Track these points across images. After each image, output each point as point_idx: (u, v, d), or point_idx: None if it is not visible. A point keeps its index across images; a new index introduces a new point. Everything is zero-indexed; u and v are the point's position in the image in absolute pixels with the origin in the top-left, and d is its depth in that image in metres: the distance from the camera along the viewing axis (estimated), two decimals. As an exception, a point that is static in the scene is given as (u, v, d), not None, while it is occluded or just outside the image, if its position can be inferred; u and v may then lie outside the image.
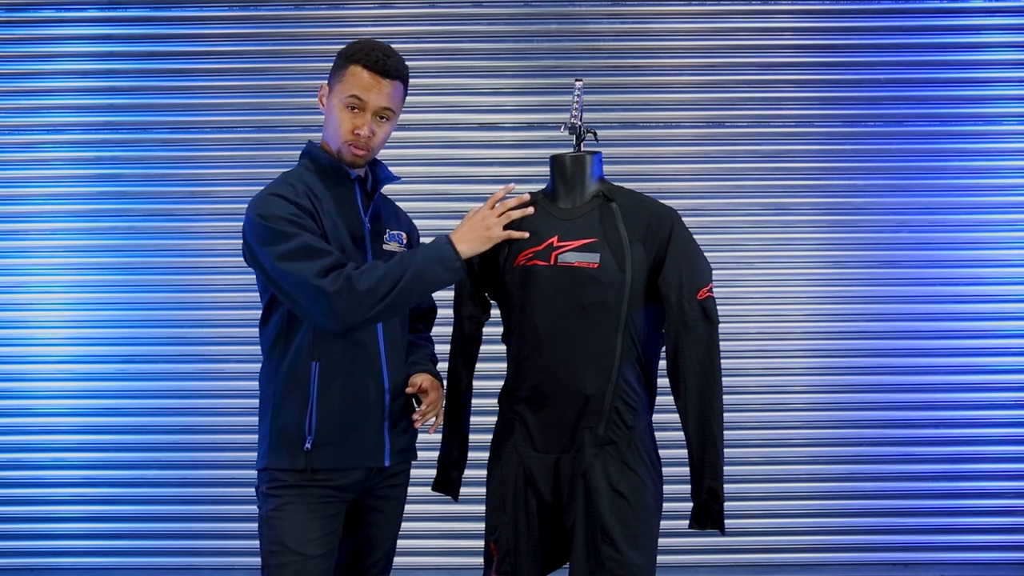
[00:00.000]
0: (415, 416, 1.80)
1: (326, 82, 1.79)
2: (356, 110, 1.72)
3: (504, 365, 1.85)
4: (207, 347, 3.30)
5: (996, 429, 3.37)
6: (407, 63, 1.80)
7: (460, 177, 3.40)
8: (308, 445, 1.70)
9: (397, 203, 2.01)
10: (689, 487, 1.74)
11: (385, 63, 1.71)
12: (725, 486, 1.73)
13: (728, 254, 3.33)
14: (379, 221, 1.84)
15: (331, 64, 1.79)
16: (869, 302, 3.38)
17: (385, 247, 1.83)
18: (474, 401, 2.01)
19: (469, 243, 1.69)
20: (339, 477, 1.73)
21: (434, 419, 1.86)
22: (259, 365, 1.82)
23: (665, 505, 1.80)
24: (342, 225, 1.75)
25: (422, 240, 2.00)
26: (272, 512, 1.72)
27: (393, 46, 1.79)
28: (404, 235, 1.89)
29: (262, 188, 1.76)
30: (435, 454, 2.01)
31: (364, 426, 1.75)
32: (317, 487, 1.71)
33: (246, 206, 1.74)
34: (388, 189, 1.94)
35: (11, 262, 3.40)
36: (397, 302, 1.64)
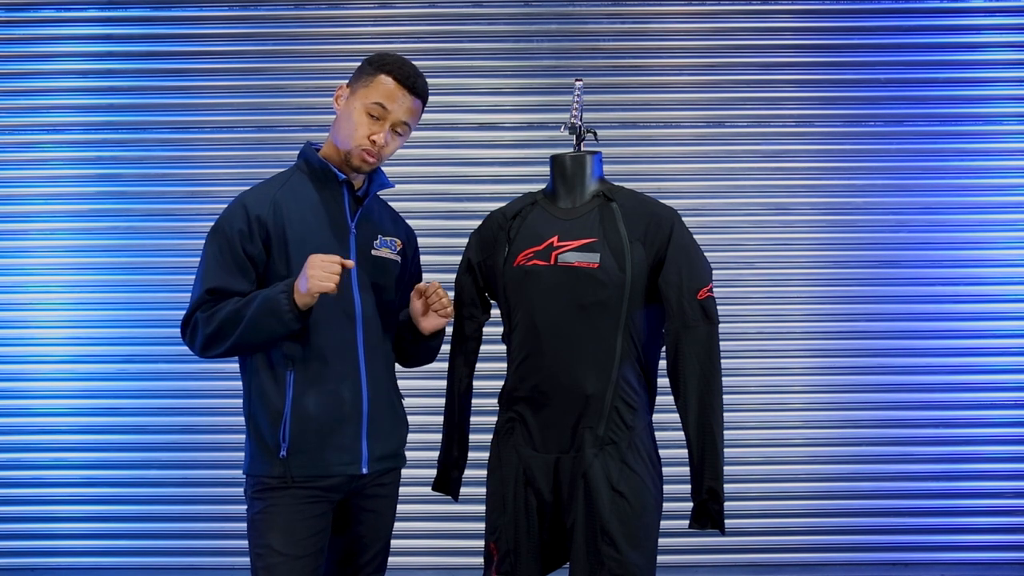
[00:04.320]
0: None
1: (345, 84, 1.80)
2: (377, 118, 1.74)
3: (504, 365, 1.85)
4: (207, 347, 3.29)
5: (995, 429, 3.37)
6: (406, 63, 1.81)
7: (460, 177, 3.40)
8: (283, 453, 1.70)
9: (396, 204, 2.01)
10: (689, 487, 1.74)
11: (415, 80, 1.76)
12: (725, 486, 1.73)
13: (728, 254, 3.33)
14: (368, 226, 1.83)
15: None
16: (869, 302, 3.38)
17: (374, 252, 1.82)
18: (474, 401, 2.01)
19: (302, 297, 1.62)
20: (321, 480, 1.73)
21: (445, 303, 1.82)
22: (257, 365, 1.82)
23: (665, 505, 1.80)
24: (325, 228, 1.75)
25: (423, 238, 2.01)
26: (257, 515, 1.73)
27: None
28: (398, 241, 1.88)
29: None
30: (435, 454, 2.01)
31: (340, 433, 1.74)
32: (300, 488, 1.71)
33: None
34: (386, 191, 1.94)
35: (11, 262, 3.40)
36: (238, 348, 1.70)
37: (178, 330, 1.79)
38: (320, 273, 1.60)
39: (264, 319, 1.64)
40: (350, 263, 1.67)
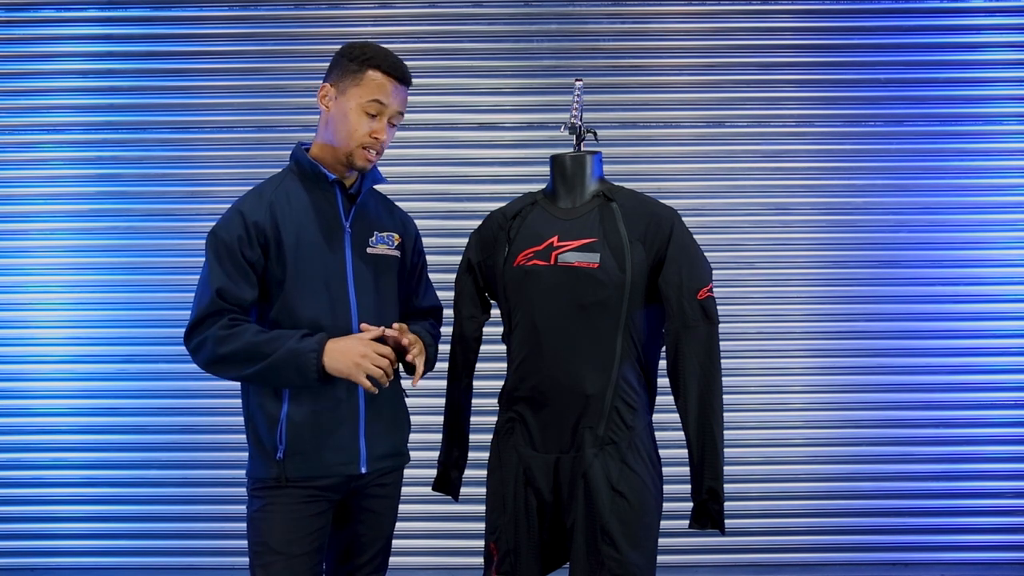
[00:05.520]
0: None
1: (327, 83, 1.77)
2: (375, 115, 1.74)
3: (504, 365, 1.85)
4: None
5: (995, 429, 3.37)
6: (406, 63, 1.81)
7: (460, 177, 3.40)
8: (280, 455, 1.70)
9: (397, 203, 2.01)
10: (689, 487, 1.74)
11: (402, 69, 1.77)
12: (725, 486, 1.73)
13: (728, 254, 3.33)
14: (364, 223, 1.83)
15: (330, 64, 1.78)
16: (869, 302, 3.38)
17: (370, 250, 1.82)
18: (474, 401, 2.01)
19: (337, 365, 1.66)
20: (318, 480, 1.73)
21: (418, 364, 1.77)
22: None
23: (665, 505, 1.80)
24: (320, 231, 1.75)
25: (423, 239, 2.01)
26: (256, 513, 1.73)
27: (393, 46, 1.81)
28: (395, 236, 1.88)
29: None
30: (435, 454, 2.01)
31: (337, 434, 1.74)
32: (297, 488, 1.71)
33: None
34: (385, 188, 1.94)
35: (11, 262, 3.40)
36: (248, 380, 1.70)
37: (179, 330, 1.78)
38: (370, 366, 1.65)
39: (286, 370, 1.64)
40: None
